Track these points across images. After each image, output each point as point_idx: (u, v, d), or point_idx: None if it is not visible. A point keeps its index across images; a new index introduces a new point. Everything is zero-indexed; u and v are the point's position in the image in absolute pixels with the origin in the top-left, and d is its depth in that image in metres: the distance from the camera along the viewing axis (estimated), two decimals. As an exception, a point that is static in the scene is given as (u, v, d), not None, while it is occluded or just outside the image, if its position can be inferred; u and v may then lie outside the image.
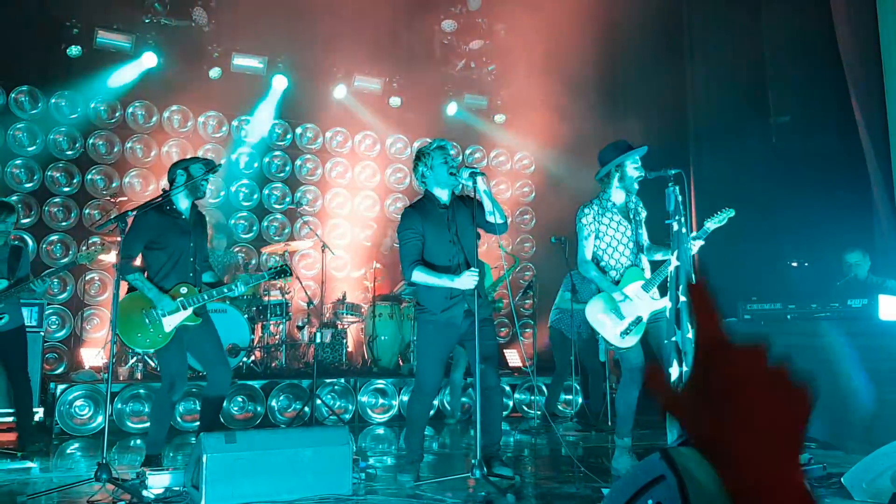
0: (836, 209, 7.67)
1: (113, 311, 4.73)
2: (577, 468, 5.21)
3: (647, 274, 5.14)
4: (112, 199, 8.70)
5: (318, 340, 7.57)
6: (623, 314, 4.98)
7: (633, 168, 5.10)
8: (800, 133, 8.52)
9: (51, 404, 6.70)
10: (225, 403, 6.94)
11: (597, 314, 5.04)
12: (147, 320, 4.80)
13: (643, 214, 5.27)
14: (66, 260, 8.42)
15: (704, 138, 9.43)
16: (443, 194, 4.91)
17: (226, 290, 5.02)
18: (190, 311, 4.87)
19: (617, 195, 5.18)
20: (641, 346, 5.03)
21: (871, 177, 7.18)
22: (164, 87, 9.39)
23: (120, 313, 4.77)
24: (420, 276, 4.74)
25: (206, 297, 4.93)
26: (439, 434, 7.20)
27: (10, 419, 6.10)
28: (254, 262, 9.72)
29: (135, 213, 4.73)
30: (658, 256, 5.21)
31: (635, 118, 9.42)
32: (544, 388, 8.30)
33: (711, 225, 5.16)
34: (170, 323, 4.81)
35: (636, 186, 5.15)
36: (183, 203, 5.04)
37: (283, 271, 5.28)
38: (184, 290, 4.89)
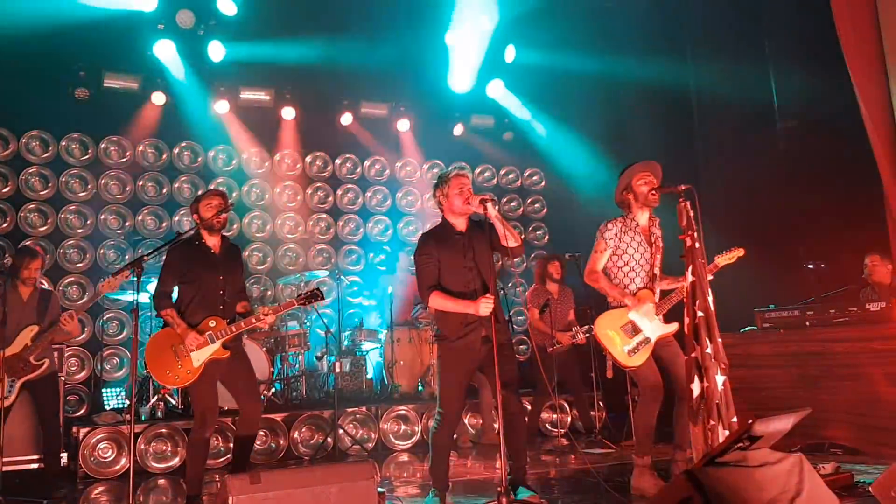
0: (849, 210, 7.63)
1: (132, 351, 4.77)
2: (603, 489, 5.18)
3: (657, 299, 5.16)
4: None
5: (337, 370, 7.56)
6: (633, 332, 5.00)
7: (640, 184, 5.14)
8: (808, 135, 8.49)
9: (74, 448, 6.73)
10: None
11: (606, 329, 5.05)
12: (176, 356, 4.82)
13: (660, 245, 5.24)
14: (84, 299, 8.53)
15: (711, 146, 9.42)
16: (459, 221, 4.93)
17: (254, 321, 4.95)
18: (218, 344, 4.87)
19: (640, 216, 5.21)
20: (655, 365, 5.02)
21: (882, 176, 7.13)
22: (172, 124, 9.50)
23: (151, 349, 4.86)
24: (437, 301, 4.76)
25: (233, 329, 4.91)
26: (464, 458, 7.17)
27: (36, 465, 6.14)
28: (269, 292, 9.76)
29: (149, 258, 4.76)
30: (664, 285, 5.22)
31: (641, 127, 9.43)
32: (566, 405, 8.27)
33: (721, 261, 5.29)
34: (198, 358, 4.82)
35: (654, 202, 5.13)
36: (210, 239, 5.07)
37: (314, 295, 5.15)
38: (212, 323, 4.89)
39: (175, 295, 5.06)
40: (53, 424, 5.88)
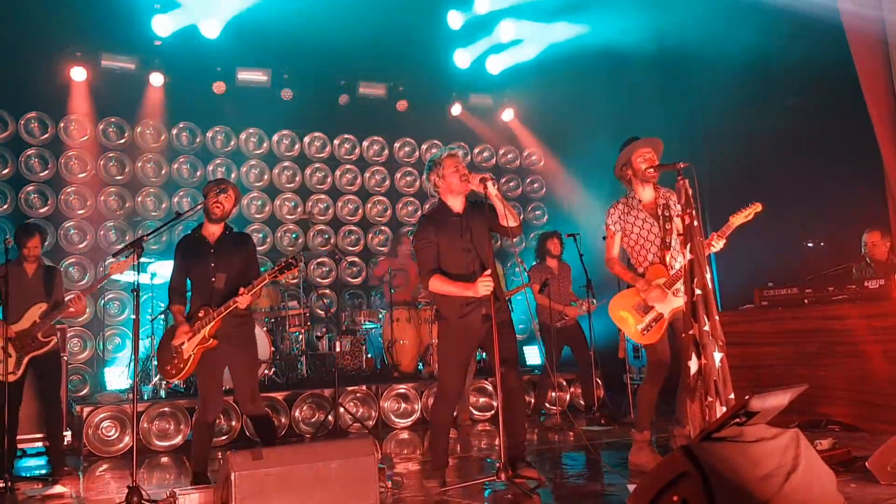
0: (849, 189, 7.63)
1: (134, 331, 4.81)
2: (602, 465, 5.23)
3: (672, 272, 5.10)
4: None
5: (337, 349, 7.60)
6: (645, 311, 5.01)
7: (638, 161, 5.11)
8: (809, 114, 8.48)
9: (78, 427, 6.78)
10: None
11: (619, 311, 5.09)
12: (173, 351, 4.92)
13: (677, 210, 5.08)
14: (85, 280, 8.59)
15: (713, 124, 9.40)
16: (456, 202, 4.95)
17: (230, 303, 4.82)
18: (202, 334, 4.84)
19: (644, 192, 5.19)
20: (668, 342, 5.03)
21: (882, 155, 7.13)
22: (169, 105, 9.49)
23: (160, 346, 5.04)
24: (437, 284, 4.79)
25: (214, 316, 4.84)
26: (463, 436, 7.23)
27: (40, 443, 6.20)
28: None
29: (148, 239, 4.78)
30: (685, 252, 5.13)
31: (641, 108, 9.41)
32: (565, 383, 8.34)
33: (736, 220, 5.07)
34: (187, 350, 4.87)
35: (653, 178, 5.11)
36: (209, 228, 5.08)
37: (288, 266, 4.92)
38: (201, 313, 4.89)
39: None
40: (57, 402, 5.94)
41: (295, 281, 9.29)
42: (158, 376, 7.48)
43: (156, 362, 5.24)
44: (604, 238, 5.33)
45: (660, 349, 5.01)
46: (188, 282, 5.09)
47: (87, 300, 8.59)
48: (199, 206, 5.05)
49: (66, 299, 5.82)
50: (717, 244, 5.02)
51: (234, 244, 5.13)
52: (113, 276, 5.82)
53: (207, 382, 4.97)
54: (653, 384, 5.04)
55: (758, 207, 5.16)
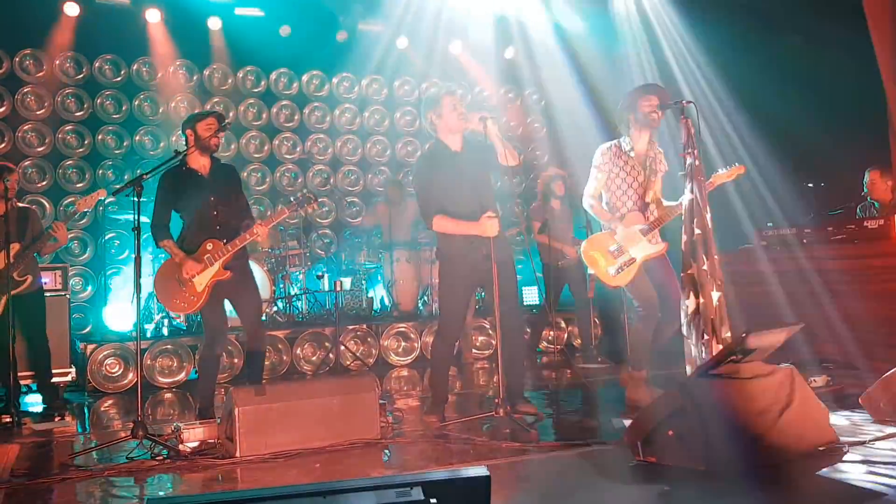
0: (851, 129, 7.58)
1: (135, 269, 4.73)
2: (599, 402, 5.32)
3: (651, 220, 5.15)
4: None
5: (338, 289, 7.64)
6: (618, 253, 5.05)
7: (645, 104, 5.06)
8: (812, 53, 8.37)
9: (82, 364, 6.87)
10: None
11: (591, 251, 5.15)
12: (181, 284, 4.88)
13: (662, 168, 5.26)
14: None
15: (714, 63, 9.28)
16: (453, 141, 4.91)
17: (247, 236, 4.92)
18: (217, 265, 4.87)
19: (638, 140, 5.18)
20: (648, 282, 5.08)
21: (886, 94, 7.06)
22: (165, 41, 9.34)
23: (159, 281, 4.97)
24: (441, 223, 4.80)
25: (230, 248, 4.89)
26: (463, 374, 7.33)
27: (30, 381, 6.22)
28: (269, 213, 9.77)
29: (148, 177, 4.71)
30: (662, 211, 5.16)
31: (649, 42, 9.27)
32: (563, 323, 8.41)
33: (718, 179, 5.15)
34: (200, 282, 4.85)
35: (656, 122, 5.11)
36: (199, 161, 5.01)
37: (307, 199, 5.09)
38: (209, 246, 4.89)
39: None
40: (41, 340, 5.91)
41: (295, 221, 9.29)
42: (161, 314, 7.55)
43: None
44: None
45: (643, 288, 5.06)
46: (175, 216, 5.04)
47: (88, 239, 8.70)
48: (195, 143, 4.97)
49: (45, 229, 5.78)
50: (689, 192, 4.86)
51: (226, 175, 5.13)
52: (110, 214, 5.81)
53: (216, 315, 4.99)
54: (646, 323, 5.10)
55: (741, 170, 5.21)
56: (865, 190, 7.00)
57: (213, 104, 9.57)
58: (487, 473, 2.31)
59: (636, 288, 5.08)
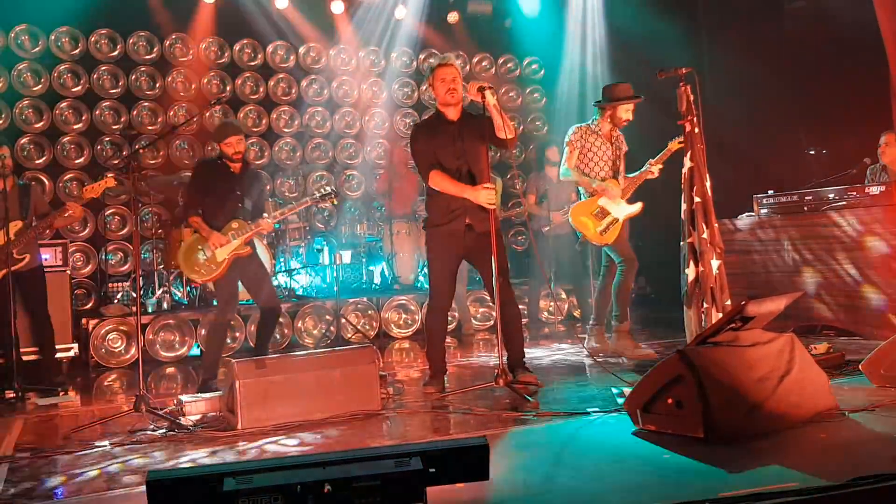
0: (853, 95, 7.52)
1: (135, 245, 4.94)
2: (599, 371, 5.34)
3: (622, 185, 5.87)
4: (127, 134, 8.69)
5: (338, 262, 7.65)
6: (602, 215, 5.73)
7: (624, 111, 5.82)
8: (815, 18, 8.29)
9: (84, 339, 6.89)
10: (253, 327, 7.14)
11: (579, 216, 5.77)
12: (205, 256, 5.39)
13: (624, 149, 6.01)
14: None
15: (716, 27, 9.19)
16: (449, 111, 4.95)
17: (270, 221, 5.64)
18: (240, 241, 5.41)
19: (604, 126, 5.93)
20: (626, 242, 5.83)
21: (888, 58, 6.98)
22: (161, 16, 9.26)
23: (184, 251, 5.49)
24: (437, 179, 4.87)
25: (253, 227, 5.47)
26: (463, 345, 7.35)
27: (35, 356, 6.23)
28: (268, 187, 9.74)
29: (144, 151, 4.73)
30: (627, 182, 5.92)
31: (643, 11, 9.16)
32: (563, 293, 8.41)
33: (673, 146, 5.77)
34: (222, 254, 5.37)
35: (623, 124, 5.90)
36: (232, 167, 5.56)
37: (329, 194, 5.79)
38: (235, 224, 5.45)
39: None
40: (43, 316, 5.94)
41: (294, 195, 9.26)
42: (162, 289, 7.57)
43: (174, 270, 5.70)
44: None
45: (625, 246, 5.79)
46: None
47: (88, 216, 8.67)
48: (193, 118, 5.01)
49: (56, 210, 5.78)
50: (655, 170, 5.87)
51: (254, 179, 5.76)
52: (110, 191, 5.80)
53: (231, 284, 5.51)
54: (626, 277, 5.78)
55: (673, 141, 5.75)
56: (879, 151, 6.78)
57: (210, 78, 9.51)
58: (486, 442, 2.32)
59: (619, 245, 5.75)
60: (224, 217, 5.46)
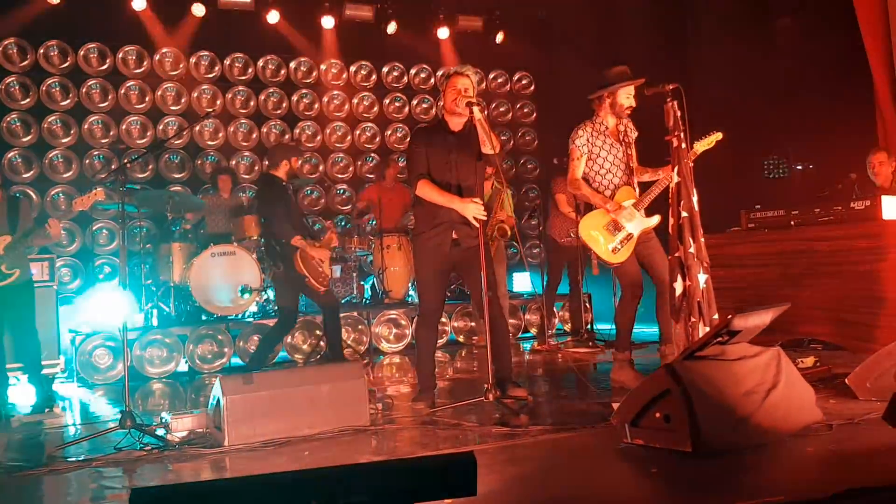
0: (840, 111, 7.57)
1: (121, 259, 4.78)
2: (587, 385, 5.33)
3: (638, 194, 5.25)
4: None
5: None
6: (615, 230, 5.13)
7: (625, 97, 5.18)
8: (802, 35, 8.36)
9: (71, 355, 6.84)
10: (241, 343, 7.12)
11: (589, 230, 5.18)
12: (318, 266, 6.32)
13: (633, 136, 5.36)
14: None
15: (704, 43, 9.26)
16: (452, 121, 4.95)
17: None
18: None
19: (609, 119, 5.29)
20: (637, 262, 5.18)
21: (873, 76, 7.06)
22: (150, 29, 9.27)
23: (304, 263, 6.11)
24: (424, 189, 4.84)
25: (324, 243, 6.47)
26: (452, 360, 7.33)
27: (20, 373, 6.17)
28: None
29: (131, 166, 4.69)
30: (646, 177, 5.31)
31: (631, 25, 9.24)
32: (555, 309, 8.41)
33: (700, 147, 5.16)
34: (327, 264, 6.46)
35: (627, 113, 5.25)
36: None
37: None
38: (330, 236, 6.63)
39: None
40: (30, 334, 5.85)
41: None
42: (149, 305, 7.54)
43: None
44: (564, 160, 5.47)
45: (630, 270, 5.15)
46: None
47: (75, 230, 8.63)
48: (185, 130, 4.98)
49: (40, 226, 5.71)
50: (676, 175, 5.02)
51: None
52: (99, 205, 5.73)
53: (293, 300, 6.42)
54: (629, 304, 5.21)
55: (719, 135, 5.21)
56: (870, 171, 6.80)
57: (201, 91, 9.52)
58: (474, 457, 2.31)
59: (624, 267, 5.16)
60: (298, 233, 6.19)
